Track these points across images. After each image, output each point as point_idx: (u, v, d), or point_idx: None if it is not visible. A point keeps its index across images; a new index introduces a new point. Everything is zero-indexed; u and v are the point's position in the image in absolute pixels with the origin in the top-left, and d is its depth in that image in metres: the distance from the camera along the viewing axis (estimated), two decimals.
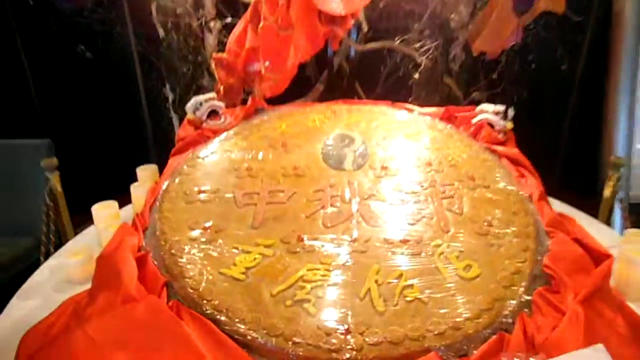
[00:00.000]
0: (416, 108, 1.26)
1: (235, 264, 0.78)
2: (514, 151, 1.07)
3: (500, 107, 1.15)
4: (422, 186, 0.95)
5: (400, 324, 0.68)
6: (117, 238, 0.84)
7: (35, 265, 1.03)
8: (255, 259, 0.79)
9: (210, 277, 0.76)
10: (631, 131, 1.29)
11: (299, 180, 0.98)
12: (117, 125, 1.70)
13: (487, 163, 1.03)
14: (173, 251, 0.81)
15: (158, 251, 0.82)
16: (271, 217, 0.88)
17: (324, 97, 1.71)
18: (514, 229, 0.85)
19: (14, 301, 0.89)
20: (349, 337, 0.66)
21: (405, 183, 0.96)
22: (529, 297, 0.73)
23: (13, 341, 0.72)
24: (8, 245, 1.41)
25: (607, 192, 1.22)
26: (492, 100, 1.32)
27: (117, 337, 0.67)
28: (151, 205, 0.96)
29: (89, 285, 0.89)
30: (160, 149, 1.66)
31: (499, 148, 1.07)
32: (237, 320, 0.69)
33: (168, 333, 0.67)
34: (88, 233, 1.14)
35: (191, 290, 0.74)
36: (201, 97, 1.23)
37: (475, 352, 0.66)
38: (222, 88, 1.51)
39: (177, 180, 1.00)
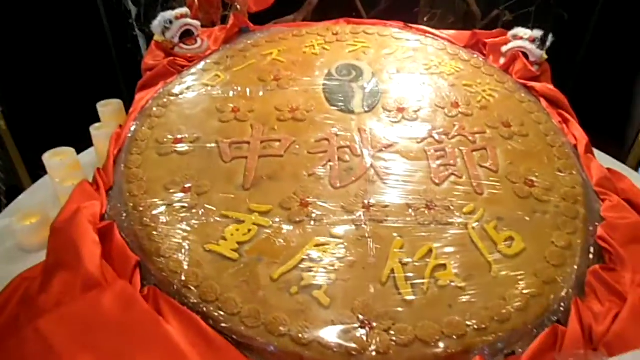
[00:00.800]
0: (434, 31, 1.06)
1: (224, 238, 0.63)
2: (553, 89, 0.90)
3: (538, 33, 0.96)
4: (448, 134, 0.79)
5: (434, 317, 0.56)
6: (73, 202, 0.68)
7: None
8: (249, 230, 0.64)
9: (195, 256, 0.61)
10: None
11: (297, 126, 0.81)
12: (73, 48, 1.43)
13: (523, 105, 0.86)
14: (145, 220, 0.65)
15: (126, 220, 0.67)
16: (265, 175, 0.72)
17: (317, 14, 1.48)
18: (560, 190, 0.71)
19: None
20: (371, 335, 0.54)
21: (428, 130, 0.80)
22: (582, 278, 0.61)
23: None
24: None
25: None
26: (520, 22, 1.12)
27: (78, 338, 0.54)
28: (115, 157, 0.78)
29: (43, 255, 0.74)
30: (125, 77, 1.42)
31: (536, 85, 0.90)
32: (230, 314, 0.56)
33: (143, 332, 0.54)
34: (43, 184, 0.97)
35: (170, 274, 0.60)
36: (170, 13, 1.00)
37: (521, 349, 0.55)
38: (196, 1, 1.26)
39: (146, 125, 0.81)
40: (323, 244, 0.63)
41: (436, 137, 0.79)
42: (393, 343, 0.53)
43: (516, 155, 0.76)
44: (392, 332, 0.54)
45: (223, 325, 0.55)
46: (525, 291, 0.59)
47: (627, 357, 0.52)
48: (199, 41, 1.03)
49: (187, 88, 0.89)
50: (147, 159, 0.75)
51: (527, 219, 0.67)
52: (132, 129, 0.82)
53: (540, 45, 0.96)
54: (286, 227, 0.65)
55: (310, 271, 0.60)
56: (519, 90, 0.90)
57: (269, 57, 0.97)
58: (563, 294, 0.59)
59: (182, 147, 0.77)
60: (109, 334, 0.55)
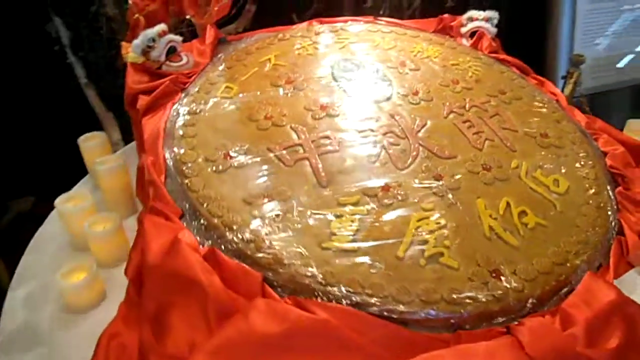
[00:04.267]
0: (401, 22, 1.18)
1: (334, 234, 0.67)
2: (517, 60, 1.09)
3: (492, 13, 1.14)
4: (464, 107, 0.92)
5: (540, 253, 0.67)
6: (155, 238, 0.64)
7: None
8: (352, 222, 0.68)
9: (318, 257, 0.63)
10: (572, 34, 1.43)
11: (335, 122, 0.85)
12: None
13: (504, 74, 1.04)
14: (247, 236, 0.65)
15: (224, 241, 0.65)
16: (335, 170, 0.76)
17: (256, 20, 1.51)
18: (567, 136, 0.89)
19: None
20: (505, 280, 0.63)
21: (445, 106, 0.92)
22: (615, 199, 0.79)
23: None
24: None
25: (567, 89, 1.36)
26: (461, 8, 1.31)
27: None
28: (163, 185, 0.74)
29: (99, 310, 0.70)
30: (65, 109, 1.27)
31: (507, 57, 1.08)
32: (382, 296, 0.60)
33: (316, 338, 0.55)
34: (46, 237, 0.86)
35: (306, 277, 0.61)
36: (152, 31, 0.95)
37: (605, 262, 0.70)
38: (141, 18, 1.20)
39: (184, 146, 0.78)
40: (423, 218, 0.70)
41: (457, 111, 0.91)
42: (524, 281, 0.63)
43: (522, 115, 0.92)
44: (518, 273, 0.64)
45: (379, 309, 0.59)
46: (587, 217, 0.74)
47: None
48: (184, 57, 1.00)
49: (205, 104, 0.87)
50: (209, 179, 0.73)
51: (557, 163, 0.83)
52: (169, 154, 0.78)
53: (493, 24, 1.15)
54: (382, 211, 0.70)
55: (427, 242, 0.67)
56: (495, 62, 1.07)
57: (268, 63, 0.99)
58: (610, 212, 0.76)
59: (238, 161, 0.76)
60: (275, 352, 0.55)
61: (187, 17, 1.23)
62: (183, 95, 0.91)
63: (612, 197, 0.79)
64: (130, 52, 1.01)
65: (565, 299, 0.63)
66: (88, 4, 1.19)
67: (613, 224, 0.75)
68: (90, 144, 0.95)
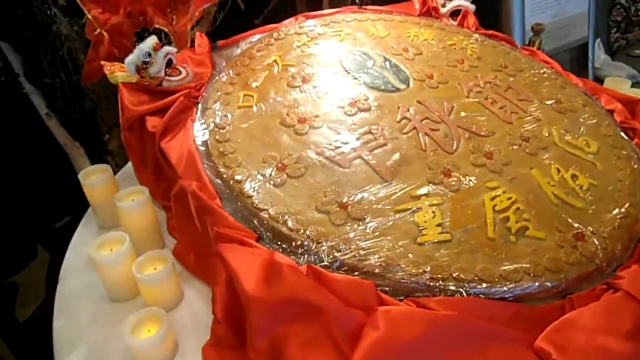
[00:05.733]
0: (384, 9, 1.19)
1: (423, 227, 0.66)
2: (502, 34, 1.16)
3: None
4: (480, 85, 0.96)
5: (603, 210, 0.73)
6: (247, 266, 0.59)
7: None
8: (434, 212, 0.69)
9: (418, 254, 0.63)
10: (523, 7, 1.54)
11: (369, 116, 0.85)
12: None
13: (498, 49, 1.09)
14: (341, 247, 0.63)
15: (319, 254, 0.63)
16: (392, 164, 0.76)
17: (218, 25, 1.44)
18: (576, 99, 0.96)
19: None
20: (590, 240, 0.68)
21: (463, 86, 0.95)
22: (636, 149, 0.87)
23: None
24: None
25: None
26: None
27: None
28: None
29: None
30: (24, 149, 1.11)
31: (495, 32, 1.14)
32: (493, 280, 0.61)
33: (453, 333, 0.55)
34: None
35: (416, 276, 0.60)
36: (147, 45, 0.87)
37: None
38: (103, 32, 1.09)
39: (231, 165, 0.73)
40: (495, 196, 0.72)
41: (474, 89, 0.94)
42: (604, 240, 0.68)
43: (530, 86, 0.98)
44: (596, 233, 0.69)
45: (493, 291, 0.61)
46: (624, 170, 0.81)
47: None
48: (181, 69, 0.93)
49: (231, 115, 0.82)
50: (272, 194, 0.69)
51: (578, 125, 0.89)
52: (214, 175, 0.73)
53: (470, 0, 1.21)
54: (454, 197, 0.72)
55: (509, 219, 0.69)
56: (486, 39, 1.12)
57: (275, 65, 0.95)
58: (637, 162, 0.83)
59: (293, 171, 0.73)
60: (419, 355, 0.54)
61: (157, 26, 1.14)
62: (200, 109, 0.85)
63: (634, 147, 0.87)
64: (117, 71, 0.91)
65: (638, 248, 0.69)
66: (42, 24, 1.05)
67: None
68: (96, 179, 0.85)
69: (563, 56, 1.83)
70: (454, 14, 1.21)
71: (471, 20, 1.16)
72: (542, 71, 1.04)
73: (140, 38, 1.08)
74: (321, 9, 1.47)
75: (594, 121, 0.91)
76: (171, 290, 0.71)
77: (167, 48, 0.89)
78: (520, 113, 0.90)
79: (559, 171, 0.78)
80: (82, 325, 0.71)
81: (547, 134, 0.86)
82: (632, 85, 1.24)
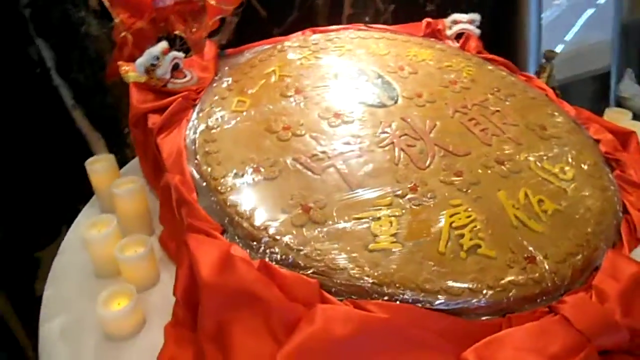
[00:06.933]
0: (390, 27, 1.23)
1: (377, 235, 0.70)
2: (503, 59, 1.17)
3: (475, 16, 1.21)
4: (467, 107, 0.97)
5: (563, 236, 0.73)
6: (206, 255, 0.64)
7: None
8: (391, 222, 0.72)
9: (368, 259, 0.66)
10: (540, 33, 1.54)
11: (350, 127, 0.89)
12: None
13: (495, 73, 1.11)
14: (295, 245, 0.67)
15: (273, 253, 0.67)
16: (362, 175, 0.79)
17: (237, 32, 1.52)
18: (563, 127, 0.96)
19: None
20: (540, 264, 0.69)
21: (449, 107, 0.97)
22: (614, 181, 0.87)
23: None
24: None
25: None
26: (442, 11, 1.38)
27: None
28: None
29: (140, 336, 0.69)
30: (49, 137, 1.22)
31: (494, 57, 1.15)
32: (434, 292, 0.63)
33: (384, 336, 0.58)
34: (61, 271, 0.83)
35: (360, 281, 0.64)
36: (156, 49, 0.95)
37: (617, 241, 0.77)
38: (128, 35, 1.18)
39: (212, 163, 0.79)
40: (455, 213, 0.74)
41: (461, 110, 0.96)
42: (556, 263, 0.69)
43: (520, 110, 0.99)
44: (549, 257, 0.70)
45: (433, 302, 0.63)
46: (596, 200, 0.81)
47: None
48: (187, 73, 1.00)
49: (221, 118, 0.88)
50: (242, 193, 0.74)
51: (559, 152, 0.90)
52: (196, 171, 0.79)
53: (476, 25, 1.22)
54: (415, 210, 0.74)
55: (463, 236, 0.71)
56: (484, 62, 1.14)
57: (273, 75, 1.00)
58: (613, 194, 0.83)
59: (267, 174, 0.78)
60: (347, 354, 0.58)
61: (177, 33, 1.22)
62: (196, 111, 0.91)
63: (612, 179, 0.87)
64: (131, 71, 0.99)
65: (592, 277, 0.69)
66: (74, 24, 1.16)
67: (617, 205, 0.82)
68: (99, 166, 0.93)
69: (584, 84, 1.80)
70: (460, 36, 1.23)
71: (473, 43, 1.17)
72: (534, 97, 1.04)
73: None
74: (340, 23, 1.53)
75: (576, 149, 0.91)
76: (147, 273, 0.77)
77: (174, 53, 0.97)
78: (501, 136, 0.92)
79: (526, 195, 0.79)
80: (68, 296, 0.79)
81: (523, 159, 0.87)
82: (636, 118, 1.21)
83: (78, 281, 0.81)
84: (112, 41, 1.21)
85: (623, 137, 0.98)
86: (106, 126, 1.29)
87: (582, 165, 0.88)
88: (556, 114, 1.00)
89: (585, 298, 0.63)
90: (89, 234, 0.78)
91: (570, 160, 0.88)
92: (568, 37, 1.58)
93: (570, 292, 0.67)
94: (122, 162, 1.07)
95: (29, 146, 1.22)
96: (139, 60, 0.94)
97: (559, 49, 1.45)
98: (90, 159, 0.94)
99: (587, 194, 0.82)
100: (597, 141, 0.95)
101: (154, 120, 0.90)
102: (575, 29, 1.57)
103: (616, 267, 0.68)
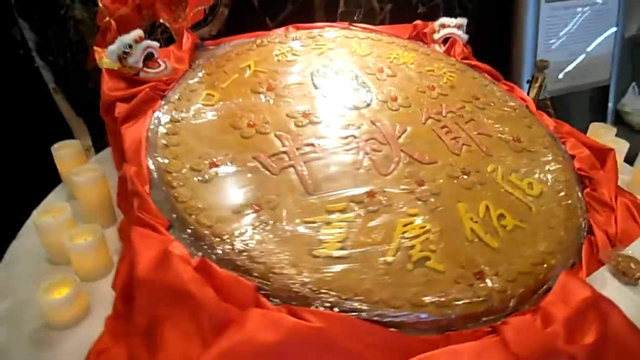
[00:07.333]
0: (376, 28, 1.20)
1: (323, 241, 0.68)
2: (488, 66, 1.14)
3: (462, 20, 1.18)
4: (442, 114, 0.95)
5: (518, 254, 0.71)
6: (143, 250, 0.63)
7: None
8: (341, 229, 0.70)
9: (309, 264, 0.64)
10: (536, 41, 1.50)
11: (317, 128, 0.87)
12: None
13: (477, 80, 1.08)
14: (239, 247, 0.65)
15: (216, 252, 0.65)
16: (321, 178, 0.77)
17: (227, 26, 1.50)
18: (538, 140, 0.93)
19: None
20: (489, 281, 0.66)
21: (423, 113, 0.94)
22: (583, 199, 0.84)
23: None
24: None
25: (532, 93, 1.42)
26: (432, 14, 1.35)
27: None
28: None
29: (83, 326, 0.68)
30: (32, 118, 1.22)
31: (478, 63, 1.12)
32: (374, 302, 0.62)
33: (310, 345, 0.56)
34: (19, 255, 0.83)
35: (298, 285, 0.62)
36: (129, 37, 0.93)
37: (577, 260, 0.74)
38: (112, 22, 1.17)
39: (168, 156, 0.77)
40: (409, 223, 0.72)
41: (434, 117, 0.94)
42: (506, 281, 0.67)
43: (495, 120, 0.96)
44: (500, 275, 0.67)
45: (371, 314, 0.61)
46: (559, 218, 0.78)
47: (637, 243, 0.76)
48: (162, 63, 0.99)
49: (187, 111, 0.86)
50: (195, 189, 0.73)
51: (530, 166, 0.87)
52: (153, 163, 0.77)
53: (464, 31, 1.19)
54: (369, 217, 0.72)
55: (413, 247, 0.69)
56: (468, 69, 1.11)
57: (248, 69, 0.99)
58: (580, 213, 0.80)
59: (224, 170, 0.76)
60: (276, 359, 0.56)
61: (161, 21, 1.21)
62: (163, 102, 0.90)
63: (581, 198, 0.84)
64: (105, 57, 0.98)
65: (543, 298, 0.67)
66: (55, 6, 1.15)
67: (583, 224, 0.79)
68: (65, 152, 0.92)
69: (582, 96, 1.75)
70: (447, 41, 1.20)
71: (458, 49, 1.14)
72: (513, 107, 1.01)
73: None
74: (336, 19, 1.50)
75: (549, 164, 0.88)
76: (98, 262, 0.77)
77: (147, 42, 0.95)
78: (472, 146, 0.89)
79: (487, 208, 0.77)
80: (17, 281, 0.78)
81: (491, 171, 0.84)
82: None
83: (30, 266, 0.81)
84: (97, 26, 1.20)
85: (601, 153, 0.94)
86: (88, 111, 1.29)
87: (551, 182, 0.85)
88: (533, 126, 0.97)
89: (529, 321, 0.61)
90: (41, 221, 0.77)
91: (540, 175, 0.86)
92: (567, 49, 1.54)
93: (517, 313, 0.65)
94: (103, 149, 1.07)
95: (10, 127, 1.22)
96: (112, 47, 0.93)
97: (552, 57, 1.40)
98: (56, 145, 0.93)
99: (551, 211, 0.79)
100: (573, 157, 0.92)
101: (120, 109, 0.89)
102: (578, 40, 1.53)
103: (568, 290, 0.65)
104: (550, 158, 0.90)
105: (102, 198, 0.86)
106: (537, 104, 1.33)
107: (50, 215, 0.79)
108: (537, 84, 1.39)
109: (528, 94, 1.42)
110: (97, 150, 1.27)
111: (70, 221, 0.79)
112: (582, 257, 0.74)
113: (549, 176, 0.86)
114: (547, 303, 0.64)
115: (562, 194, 0.83)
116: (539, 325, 0.61)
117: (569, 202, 0.81)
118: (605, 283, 0.73)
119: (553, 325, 0.60)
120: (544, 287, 0.69)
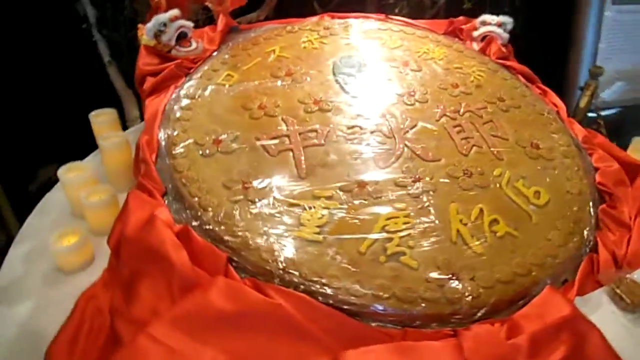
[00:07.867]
0: (412, 21, 1.18)
1: (303, 224, 0.69)
2: (525, 67, 1.07)
3: (505, 19, 1.12)
4: (459, 112, 0.92)
5: (503, 262, 0.68)
6: (135, 211, 0.69)
7: None
8: (322, 215, 0.71)
9: (283, 243, 0.66)
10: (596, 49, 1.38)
11: (326, 116, 0.87)
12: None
13: (507, 81, 1.02)
14: (221, 219, 0.69)
15: (199, 221, 0.69)
16: (316, 164, 0.78)
17: (276, 11, 1.53)
18: (559, 149, 0.87)
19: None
20: (462, 285, 0.64)
21: (441, 110, 0.92)
22: (596, 216, 0.78)
23: None
24: None
25: (583, 101, 1.32)
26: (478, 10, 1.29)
27: (198, 336, 0.57)
28: (154, 163, 0.79)
29: (86, 273, 0.74)
30: (89, 87, 1.34)
31: (513, 64, 1.07)
32: (336, 287, 0.62)
33: (264, 318, 0.59)
34: (50, 205, 0.92)
35: (267, 262, 0.64)
36: (164, 16, 1.00)
37: (571, 277, 0.70)
38: (162, 1, 1.25)
39: (177, 129, 0.82)
40: (393, 217, 0.71)
41: (450, 115, 0.91)
42: (481, 287, 0.64)
43: (517, 124, 0.91)
44: (476, 280, 0.65)
45: (332, 299, 0.62)
46: (561, 232, 0.73)
47: None
48: (194, 43, 1.04)
49: (205, 89, 0.91)
50: (195, 162, 0.77)
51: (543, 175, 0.82)
52: (163, 134, 0.83)
53: (506, 29, 1.13)
54: (353, 207, 0.72)
55: (391, 241, 0.68)
56: (500, 69, 1.06)
57: (272, 54, 1.01)
58: (588, 229, 0.75)
59: (225, 147, 0.80)
60: (228, 328, 0.59)
61: (206, 3, 1.27)
62: (186, 79, 0.95)
63: (593, 214, 0.78)
64: (145, 34, 1.06)
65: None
66: None
67: (588, 241, 0.74)
68: (101, 119, 1.01)
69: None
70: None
71: (494, 47, 1.09)
72: (540, 112, 0.95)
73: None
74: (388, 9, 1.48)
75: (564, 175, 0.82)
76: (108, 219, 0.83)
77: (181, 22, 1.01)
78: (483, 148, 0.85)
79: (481, 212, 0.74)
80: (42, 227, 0.87)
81: (497, 175, 0.80)
82: None
83: (56, 216, 0.89)
84: (149, 4, 1.29)
85: (633, 170, 0.86)
86: None
87: (564, 193, 0.79)
88: (559, 134, 0.90)
89: (491, 330, 0.58)
90: (64, 177, 0.85)
91: (551, 184, 0.80)
92: (632, 57, 1.40)
93: (487, 321, 0.62)
94: None
95: (67, 94, 1.34)
96: (149, 25, 1.00)
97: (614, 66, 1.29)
98: (94, 112, 1.02)
99: (553, 223, 0.74)
100: (596, 169, 0.85)
101: (148, 83, 0.96)
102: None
103: (547, 305, 0.61)
104: (568, 168, 0.84)
105: (124, 163, 0.93)
106: (583, 117, 1.24)
107: (74, 173, 0.87)
108: (589, 92, 1.30)
109: (579, 102, 1.32)
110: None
111: (90, 180, 0.86)
112: (576, 275, 0.69)
113: (562, 187, 0.80)
114: (520, 315, 0.61)
115: (571, 206, 0.77)
116: (503, 335, 0.58)
117: (577, 216, 0.76)
118: (600, 305, 0.68)
119: (517, 337, 0.57)
120: (525, 299, 0.65)
